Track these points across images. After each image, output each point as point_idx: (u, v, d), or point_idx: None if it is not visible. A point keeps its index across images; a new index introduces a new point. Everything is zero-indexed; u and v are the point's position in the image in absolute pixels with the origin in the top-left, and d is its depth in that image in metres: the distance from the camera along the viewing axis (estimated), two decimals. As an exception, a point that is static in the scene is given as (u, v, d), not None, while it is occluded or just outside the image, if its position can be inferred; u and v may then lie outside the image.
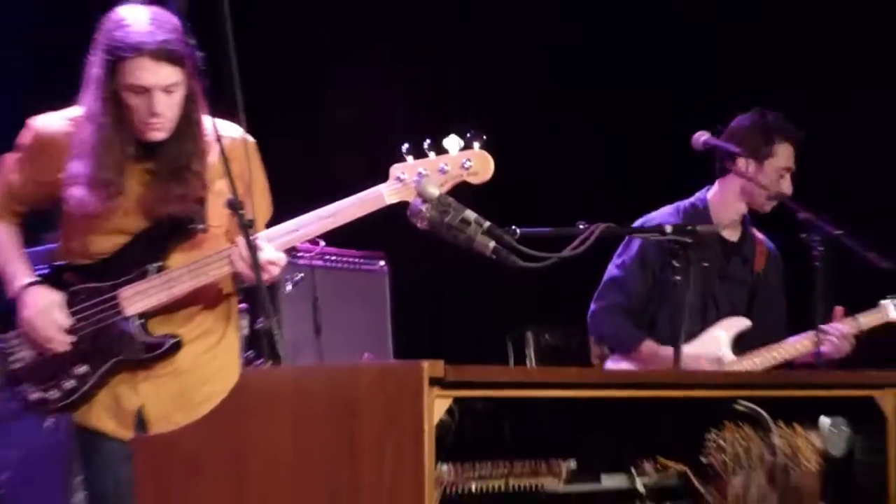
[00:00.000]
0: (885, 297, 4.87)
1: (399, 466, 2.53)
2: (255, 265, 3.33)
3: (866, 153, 6.38)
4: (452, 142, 3.44)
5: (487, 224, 3.18)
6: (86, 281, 3.60)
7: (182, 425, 2.98)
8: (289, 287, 5.67)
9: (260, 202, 3.59)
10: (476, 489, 2.73)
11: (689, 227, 4.25)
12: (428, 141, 3.44)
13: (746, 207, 4.96)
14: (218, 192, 3.50)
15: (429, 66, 6.98)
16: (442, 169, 3.45)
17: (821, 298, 4.45)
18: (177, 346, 3.59)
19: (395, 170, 3.48)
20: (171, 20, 3.43)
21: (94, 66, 3.50)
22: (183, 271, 3.55)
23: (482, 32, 7.01)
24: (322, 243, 5.73)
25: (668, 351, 4.45)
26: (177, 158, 3.52)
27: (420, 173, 3.43)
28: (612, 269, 4.96)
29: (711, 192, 4.99)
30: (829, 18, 6.57)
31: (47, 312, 3.58)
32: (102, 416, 3.60)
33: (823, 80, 6.48)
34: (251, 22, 3.34)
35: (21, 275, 3.64)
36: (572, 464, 2.88)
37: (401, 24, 6.86)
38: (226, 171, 3.33)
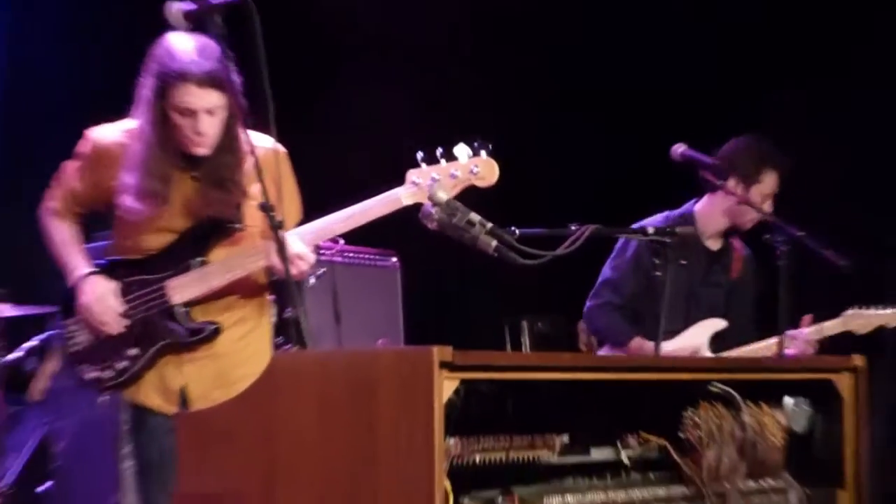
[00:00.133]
0: (848, 308, 4.78)
1: (412, 440, 2.51)
2: (284, 259, 3.31)
3: (866, 153, 5.89)
4: (462, 150, 3.42)
5: (490, 225, 3.18)
6: (137, 273, 3.60)
7: (219, 402, 2.97)
8: (312, 281, 5.65)
9: (290, 205, 3.57)
10: (480, 461, 2.72)
11: (669, 229, 4.24)
12: (440, 149, 3.43)
13: (730, 223, 4.91)
14: (253, 196, 3.48)
15: (434, 68, 6.53)
16: (452, 174, 3.43)
17: (785, 296, 4.41)
18: (216, 332, 3.58)
19: (411, 175, 3.46)
20: (214, 48, 3.40)
21: (145, 87, 3.50)
22: (221, 266, 3.55)
23: (482, 32, 6.62)
24: (341, 242, 5.70)
25: (653, 346, 4.46)
26: (219, 169, 3.52)
27: (433, 178, 3.41)
28: (606, 271, 4.92)
29: (699, 205, 4.93)
30: (829, 18, 6.04)
31: (103, 299, 3.58)
32: (150, 393, 3.60)
33: (823, 80, 5.98)
34: (272, 29, 3.26)
35: (80, 266, 3.65)
36: (565, 438, 2.87)
37: (407, 26, 6.48)
38: (259, 178, 3.31)
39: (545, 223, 3.74)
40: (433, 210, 3.22)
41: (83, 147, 3.66)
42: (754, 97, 5.56)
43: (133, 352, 3.58)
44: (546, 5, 6.54)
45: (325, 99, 6.44)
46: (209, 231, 3.57)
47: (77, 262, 3.66)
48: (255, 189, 3.41)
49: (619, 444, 2.98)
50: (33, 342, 5.45)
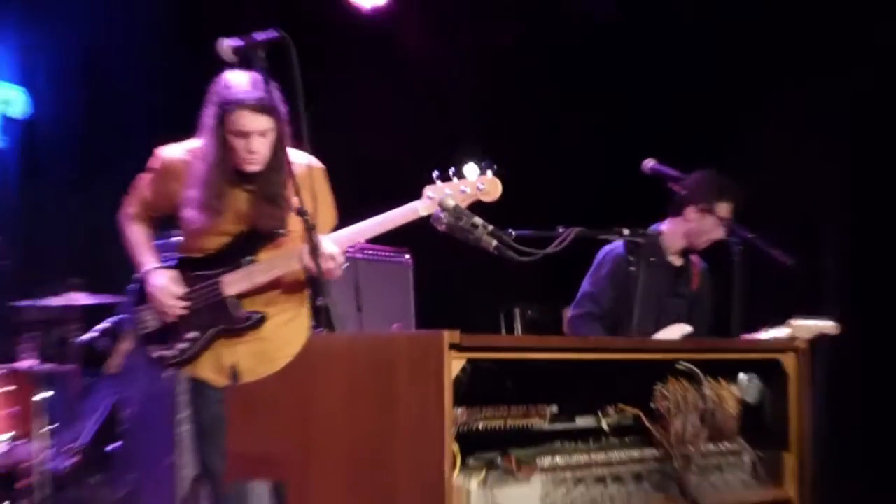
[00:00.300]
0: (793, 318, 4.71)
1: (425, 410, 2.52)
2: (316, 258, 3.32)
3: (866, 153, 5.39)
4: (471, 169, 3.45)
5: (491, 227, 3.20)
6: (198, 269, 3.63)
7: (263, 377, 2.97)
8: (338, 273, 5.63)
9: (325, 214, 3.58)
10: (482, 427, 2.72)
11: (641, 231, 4.24)
12: (452, 169, 3.44)
13: (687, 244, 4.81)
14: (293, 205, 3.49)
15: (437, 73, 6.10)
16: (462, 190, 3.44)
17: (738, 292, 4.38)
18: (262, 320, 3.61)
19: (427, 190, 3.48)
20: (262, 81, 3.42)
21: (208, 116, 3.53)
22: (266, 265, 3.58)
23: (483, 32, 6.12)
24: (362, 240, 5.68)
25: None
26: (269, 185, 3.55)
27: (446, 193, 3.43)
28: (586, 284, 4.82)
29: (665, 226, 4.83)
30: (829, 18, 5.45)
31: (165, 289, 3.62)
32: (206, 369, 3.62)
33: (823, 80, 5.41)
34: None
35: (149, 261, 3.70)
36: (554, 408, 2.86)
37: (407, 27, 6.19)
38: (296, 189, 3.34)
39: (545, 223, 3.72)
40: (442, 215, 3.23)
41: (153, 163, 3.70)
42: (754, 97, 5.15)
43: (193, 335, 3.60)
44: (546, 5, 6.15)
45: (326, 99, 6.29)
46: (258, 235, 3.60)
47: (147, 258, 3.71)
48: (295, 199, 3.42)
49: (599, 414, 2.98)
50: (104, 325, 5.47)
